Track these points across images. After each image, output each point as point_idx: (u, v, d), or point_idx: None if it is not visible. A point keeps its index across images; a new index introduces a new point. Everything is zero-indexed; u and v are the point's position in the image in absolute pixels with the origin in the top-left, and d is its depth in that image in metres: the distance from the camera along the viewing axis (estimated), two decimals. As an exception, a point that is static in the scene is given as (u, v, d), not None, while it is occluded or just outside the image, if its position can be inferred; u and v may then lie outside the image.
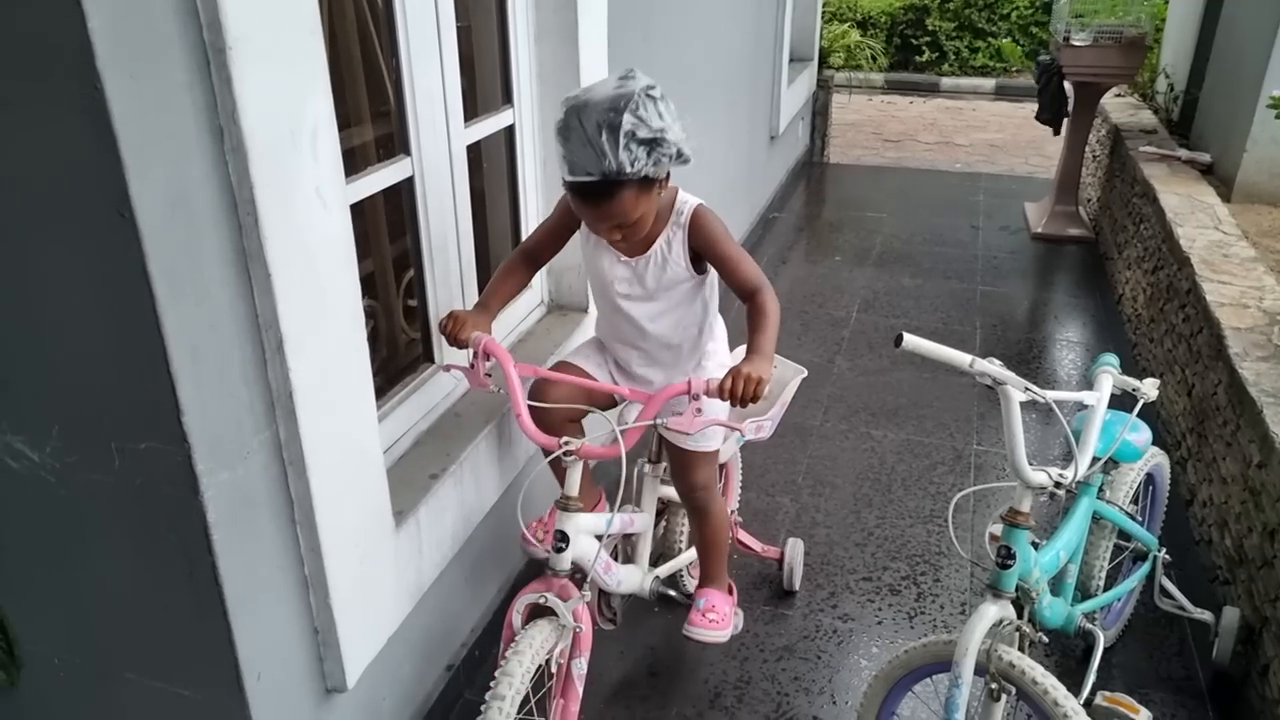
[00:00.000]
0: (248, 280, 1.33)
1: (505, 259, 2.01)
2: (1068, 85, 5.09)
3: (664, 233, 1.85)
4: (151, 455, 1.28)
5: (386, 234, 2.33)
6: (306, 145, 1.38)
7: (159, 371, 1.21)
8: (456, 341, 1.84)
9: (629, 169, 1.62)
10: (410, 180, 1.98)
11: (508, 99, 2.38)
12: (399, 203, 2.05)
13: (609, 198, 1.67)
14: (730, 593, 2.24)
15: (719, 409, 1.90)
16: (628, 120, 1.59)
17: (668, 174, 1.75)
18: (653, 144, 1.62)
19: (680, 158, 1.69)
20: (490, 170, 2.46)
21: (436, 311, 2.11)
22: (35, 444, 1.33)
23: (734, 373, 1.67)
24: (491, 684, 1.62)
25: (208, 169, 1.24)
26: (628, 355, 2.05)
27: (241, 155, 1.26)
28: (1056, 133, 5.29)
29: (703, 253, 1.87)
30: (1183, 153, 4.44)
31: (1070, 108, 5.17)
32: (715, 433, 2.04)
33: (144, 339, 1.20)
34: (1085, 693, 1.86)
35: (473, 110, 2.23)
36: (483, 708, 1.60)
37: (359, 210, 1.89)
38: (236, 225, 1.30)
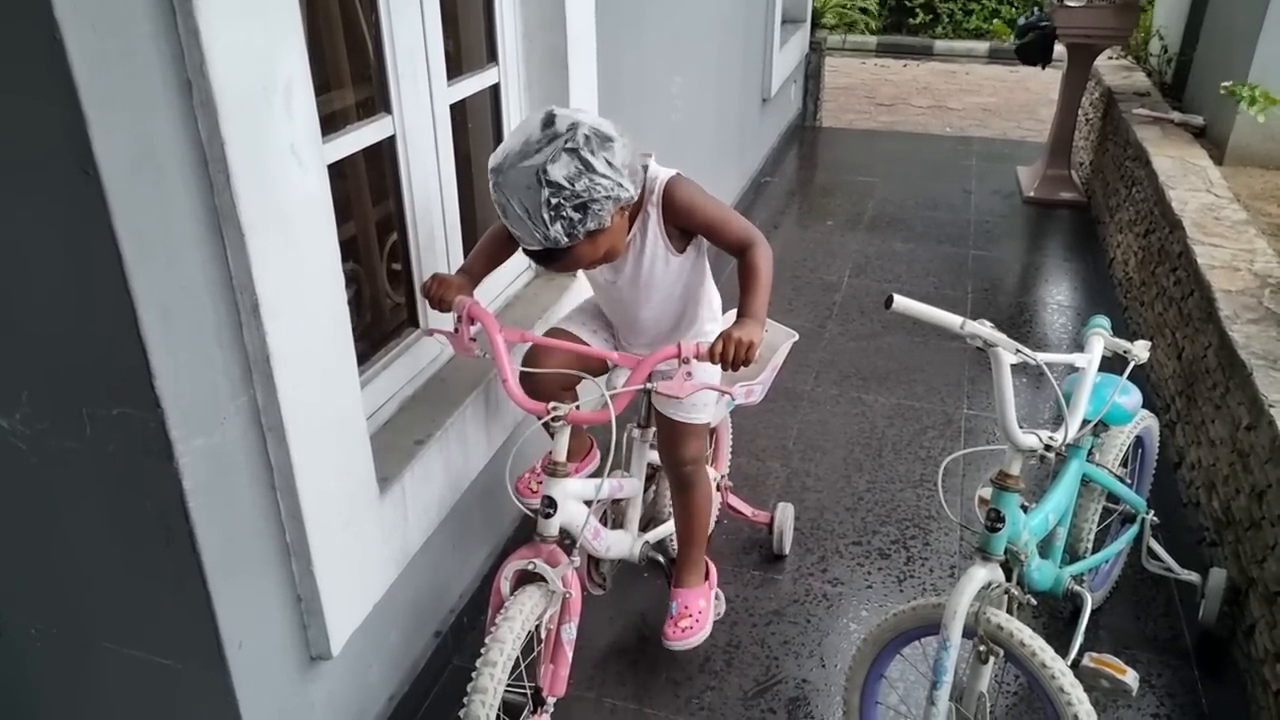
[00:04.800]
0: (221, 241, 1.30)
1: (493, 225, 1.97)
2: (1058, 47, 5.05)
3: (638, 217, 1.78)
4: (124, 421, 1.25)
5: (369, 196, 2.29)
6: (280, 101, 1.33)
7: (129, 335, 1.18)
8: (440, 305, 1.81)
9: (565, 239, 1.56)
10: (392, 140, 1.93)
11: (492, 57, 2.33)
12: (382, 165, 2.00)
13: (560, 260, 1.64)
14: (707, 577, 2.21)
15: (709, 373, 1.88)
16: (548, 194, 1.51)
17: (624, 205, 1.64)
18: (584, 206, 1.54)
19: (619, 202, 1.60)
20: (475, 131, 2.41)
21: (420, 275, 2.07)
22: (4, 410, 1.29)
23: (724, 336, 1.64)
24: (482, 650, 1.61)
25: (176, 124, 1.20)
26: (624, 332, 2.04)
27: (211, 110, 1.22)
28: (1043, 66, 5.29)
29: (685, 226, 1.81)
30: (1175, 115, 4.40)
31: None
32: (706, 406, 2.02)
33: (113, 301, 1.17)
34: (1073, 654, 1.87)
35: (457, 69, 2.18)
36: (474, 674, 1.59)
37: (340, 172, 1.85)
38: (208, 184, 1.26)
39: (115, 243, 1.13)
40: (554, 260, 1.64)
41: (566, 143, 1.53)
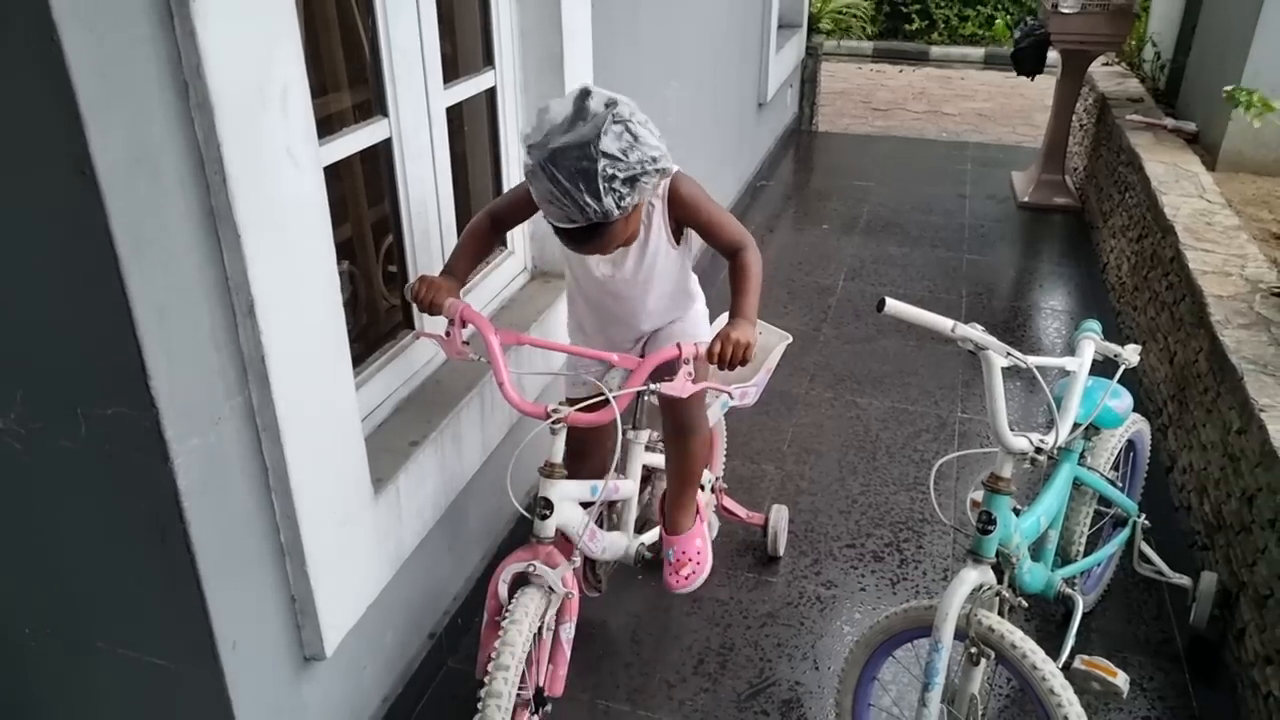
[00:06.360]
0: (217, 242, 1.30)
1: (471, 223, 1.95)
2: (1052, 53, 5.07)
3: (642, 209, 1.79)
4: (119, 421, 1.25)
5: (365, 198, 2.29)
6: (276, 103, 1.34)
7: (124, 335, 1.19)
8: (431, 308, 1.79)
9: (616, 212, 1.55)
10: (388, 143, 1.94)
11: (489, 61, 2.33)
12: (378, 167, 2.01)
13: (599, 236, 1.62)
14: (697, 516, 2.16)
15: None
16: (604, 165, 1.50)
17: (665, 178, 1.68)
18: (634, 179, 1.54)
19: (665, 174, 1.62)
20: (471, 133, 2.42)
21: (415, 277, 2.07)
22: None
23: (722, 337, 1.66)
24: (493, 655, 1.62)
25: (172, 126, 1.21)
26: (613, 333, 2.03)
27: (207, 112, 1.22)
28: (1032, 77, 5.38)
29: (685, 221, 1.83)
30: (1169, 121, 4.42)
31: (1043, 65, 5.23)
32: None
33: (108, 302, 1.17)
34: (1064, 656, 1.87)
35: (453, 72, 2.19)
36: (487, 679, 1.60)
37: (336, 174, 1.85)
38: (204, 185, 1.27)
39: (111, 243, 1.14)
40: (591, 239, 1.62)
41: (613, 117, 1.53)
